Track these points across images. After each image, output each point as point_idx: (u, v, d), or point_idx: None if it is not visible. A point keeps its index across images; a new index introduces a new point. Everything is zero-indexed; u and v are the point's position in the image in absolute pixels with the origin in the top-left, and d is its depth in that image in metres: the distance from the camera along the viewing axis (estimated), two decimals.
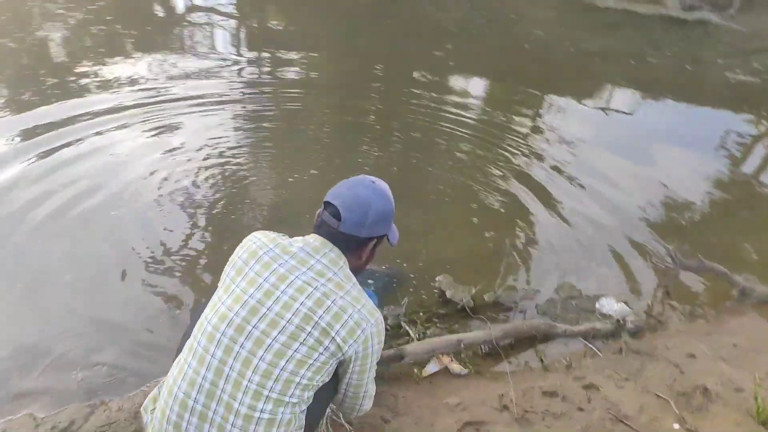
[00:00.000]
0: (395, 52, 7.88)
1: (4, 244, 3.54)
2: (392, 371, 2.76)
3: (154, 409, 1.84)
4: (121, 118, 5.16)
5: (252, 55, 7.44)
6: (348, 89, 6.53)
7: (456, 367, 2.83)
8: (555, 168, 4.99)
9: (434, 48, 8.05)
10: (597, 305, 3.38)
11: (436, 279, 3.53)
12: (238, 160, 4.71)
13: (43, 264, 3.41)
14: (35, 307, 3.14)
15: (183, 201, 4.13)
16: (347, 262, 1.88)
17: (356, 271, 1.96)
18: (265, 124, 5.42)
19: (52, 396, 2.63)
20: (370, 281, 3.39)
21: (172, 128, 5.14)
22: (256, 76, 6.68)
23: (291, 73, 6.78)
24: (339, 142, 5.25)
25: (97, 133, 4.85)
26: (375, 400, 2.52)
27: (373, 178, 1.95)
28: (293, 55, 7.32)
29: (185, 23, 8.48)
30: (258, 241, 1.87)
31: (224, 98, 5.85)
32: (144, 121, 5.17)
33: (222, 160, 4.67)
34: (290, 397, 1.72)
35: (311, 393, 1.79)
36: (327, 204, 1.88)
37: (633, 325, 3.18)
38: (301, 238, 1.90)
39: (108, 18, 8.07)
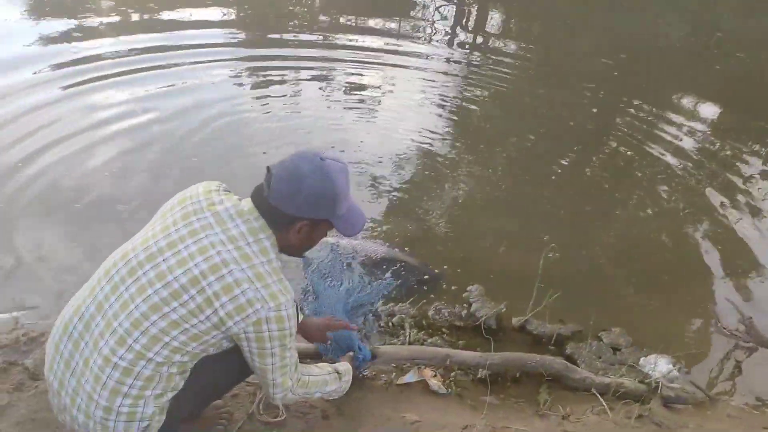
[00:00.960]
0: (615, 62, 7.41)
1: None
2: (363, 370, 2.57)
3: None
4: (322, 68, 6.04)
5: (467, 39, 7.78)
6: (559, 90, 6.35)
7: (436, 383, 2.56)
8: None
9: (655, 64, 7.47)
10: (641, 360, 2.87)
11: (468, 288, 3.26)
12: (423, 141, 4.85)
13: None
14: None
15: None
16: (272, 238, 1.73)
17: (285, 251, 1.81)
18: (465, 106, 5.60)
19: (45, 308, 2.85)
20: (389, 276, 3.21)
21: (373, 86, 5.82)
22: (465, 61, 6.93)
23: (503, 65, 6.77)
24: (535, 142, 5.15)
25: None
26: None
27: (328, 155, 1.75)
28: (509, 48, 7.40)
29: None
30: (195, 190, 1.79)
31: (427, 74, 6.22)
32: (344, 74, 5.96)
33: (407, 136, 4.89)
34: (154, 354, 1.62)
35: (185, 358, 1.68)
36: (268, 170, 1.76)
37: (674, 393, 2.64)
38: (237, 198, 1.80)
39: None
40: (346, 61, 6.26)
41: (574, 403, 2.57)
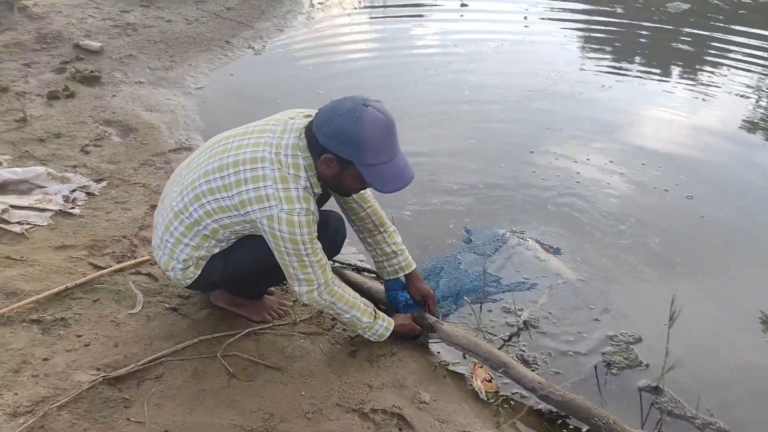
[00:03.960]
0: None
1: None
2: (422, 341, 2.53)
3: None
4: None
5: None
6: None
7: (481, 386, 2.34)
8: None
9: None
10: None
11: (624, 333, 2.73)
12: None
13: None
14: None
15: None
16: (310, 160, 1.99)
17: (323, 180, 2.04)
18: None
19: None
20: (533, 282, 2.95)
21: None
22: None
23: None
24: None
25: None
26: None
27: (375, 104, 1.91)
28: None
29: None
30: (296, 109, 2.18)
31: None
32: None
33: None
34: (193, 210, 2.08)
35: (215, 225, 2.08)
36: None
37: None
38: (310, 120, 2.04)
39: None
40: None
41: None
